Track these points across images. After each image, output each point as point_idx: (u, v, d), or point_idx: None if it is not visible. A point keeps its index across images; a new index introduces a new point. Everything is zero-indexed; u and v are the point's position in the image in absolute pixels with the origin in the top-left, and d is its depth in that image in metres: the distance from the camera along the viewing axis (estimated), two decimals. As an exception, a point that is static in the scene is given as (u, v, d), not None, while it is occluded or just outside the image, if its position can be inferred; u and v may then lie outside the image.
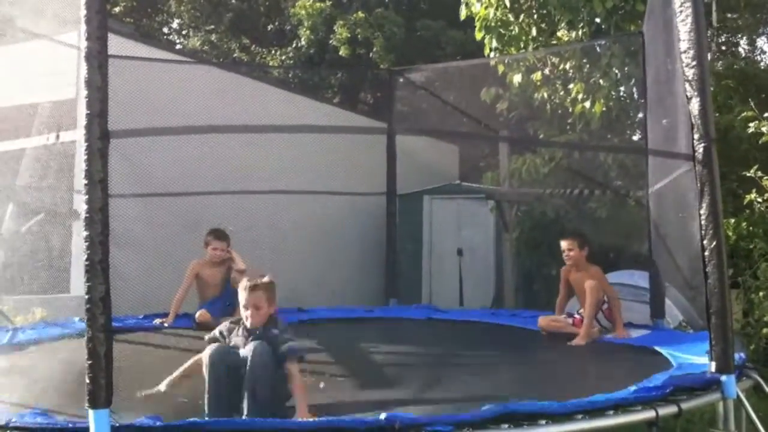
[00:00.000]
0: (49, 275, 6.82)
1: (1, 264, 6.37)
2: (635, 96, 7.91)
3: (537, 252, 8.94)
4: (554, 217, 8.66)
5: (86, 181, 2.99)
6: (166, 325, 6.21)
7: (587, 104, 7.60)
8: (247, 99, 8.65)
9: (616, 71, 7.66)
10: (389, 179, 8.29)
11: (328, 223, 10.11)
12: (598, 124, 7.71)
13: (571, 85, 7.86)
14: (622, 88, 7.98)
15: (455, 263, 10.32)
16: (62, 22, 5.44)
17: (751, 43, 14.05)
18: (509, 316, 7.10)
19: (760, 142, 6.38)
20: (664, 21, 4.64)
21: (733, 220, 6.30)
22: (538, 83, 8.09)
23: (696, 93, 3.82)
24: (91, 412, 2.90)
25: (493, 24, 8.07)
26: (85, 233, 2.97)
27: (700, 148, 3.80)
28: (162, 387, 3.63)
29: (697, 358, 4.25)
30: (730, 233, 6.18)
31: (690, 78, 3.84)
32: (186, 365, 3.68)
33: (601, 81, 7.66)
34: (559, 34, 8.11)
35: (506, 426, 3.10)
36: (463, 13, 8.43)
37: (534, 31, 8.05)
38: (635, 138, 8.48)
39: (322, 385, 4.14)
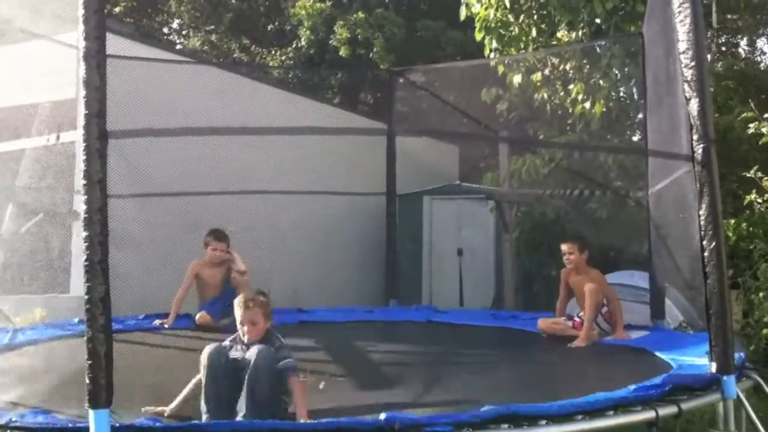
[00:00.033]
0: (48, 275, 6.82)
1: (1, 264, 6.36)
2: (635, 97, 7.91)
3: (537, 252, 8.94)
4: (554, 218, 8.66)
5: (85, 182, 2.99)
6: (166, 326, 6.21)
7: (587, 105, 7.60)
8: (247, 99, 8.64)
9: (616, 72, 7.66)
10: (389, 179, 8.30)
11: (328, 223, 10.10)
12: (598, 124, 7.71)
13: (571, 86, 7.86)
14: (622, 89, 7.98)
15: (455, 263, 10.31)
16: (62, 22, 5.43)
17: (751, 44, 14.05)
18: (509, 318, 7.10)
19: (760, 142, 6.37)
20: (664, 22, 4.64)
21: (733, 221, 6.30)
22: (538, 84, 8.09)
23: (695, 94, 3.82)
24: (91, 412, 2.90)
25: (493, 25, 8.07)
26: (84, 233, 2.98)
27: (699, 149, 3.80)
28: (169, 409, 3.55)
29: (697, 359, 4.24)
30: (730, 234, 6.18)
31: (689, 78, 3.84)
32: (192, 382, 3.62)
33: (601, 82, 7.67)
34: (559, 34, 8.11)
35: (506, 426, 3.10)
36: (463, 13, 8.42)
37: (534, 32, 8.05)
38: (635, 139, 8.49)
39: (321, 385, 4.14)
